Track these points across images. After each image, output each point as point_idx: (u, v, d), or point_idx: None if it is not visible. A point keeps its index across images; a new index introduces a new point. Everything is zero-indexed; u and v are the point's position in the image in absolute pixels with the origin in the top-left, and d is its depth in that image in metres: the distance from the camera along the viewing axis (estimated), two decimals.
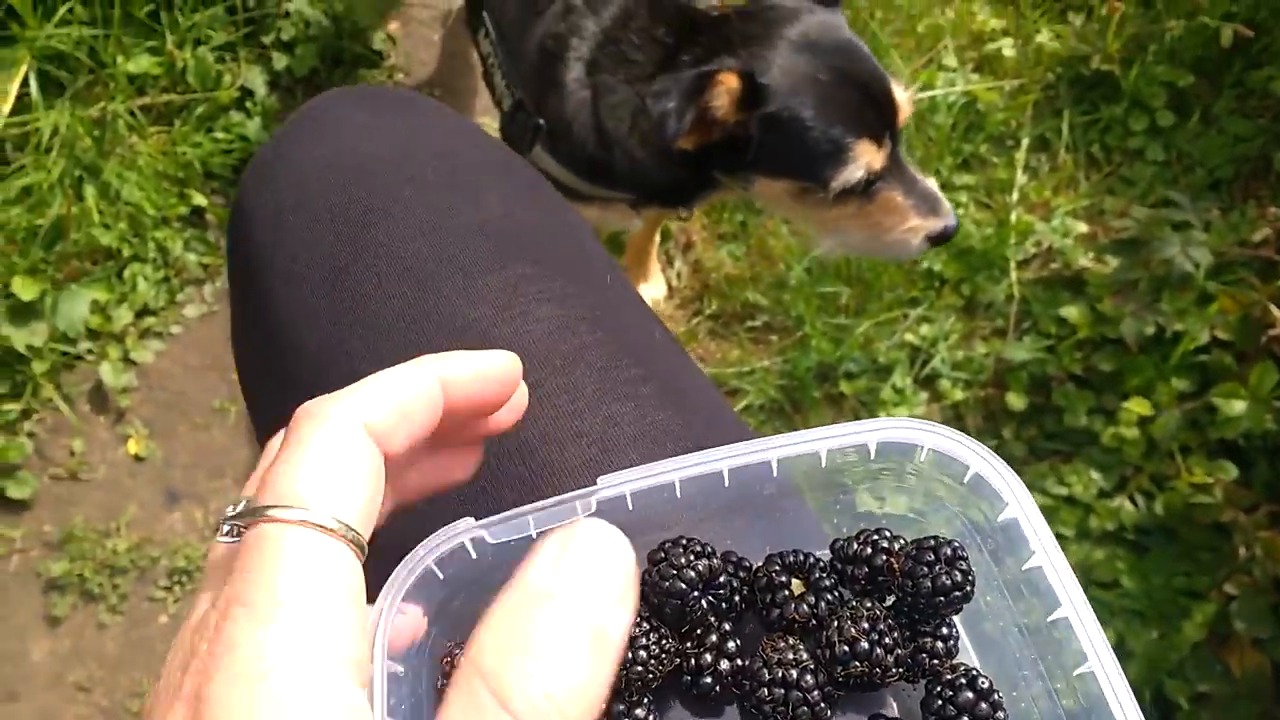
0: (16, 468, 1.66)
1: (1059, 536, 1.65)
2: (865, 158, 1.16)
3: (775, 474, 0.43)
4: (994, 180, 2.03)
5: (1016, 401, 1.78)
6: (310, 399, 0.39)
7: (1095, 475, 1.67)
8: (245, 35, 2.00)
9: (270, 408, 0.70)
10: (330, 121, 0.73)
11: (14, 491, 1.64)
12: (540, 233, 0.70)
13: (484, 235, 0.67)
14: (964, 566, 0.41)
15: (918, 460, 0.41)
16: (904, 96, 1.18)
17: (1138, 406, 1.63)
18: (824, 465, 0.43)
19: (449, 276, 0.65)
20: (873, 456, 0.42)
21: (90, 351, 1.77)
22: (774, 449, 0.42)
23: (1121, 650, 1.54)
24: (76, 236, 1.79)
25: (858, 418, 1.82)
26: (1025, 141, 2.05)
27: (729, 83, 1.10)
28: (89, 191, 1.82)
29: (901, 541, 0.46)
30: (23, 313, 1.70)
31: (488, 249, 0.66)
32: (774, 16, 1.18)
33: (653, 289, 1.92)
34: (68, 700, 1.54)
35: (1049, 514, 1.67)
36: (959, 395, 1.82)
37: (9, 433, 1.68)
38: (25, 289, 1.69)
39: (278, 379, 0.68)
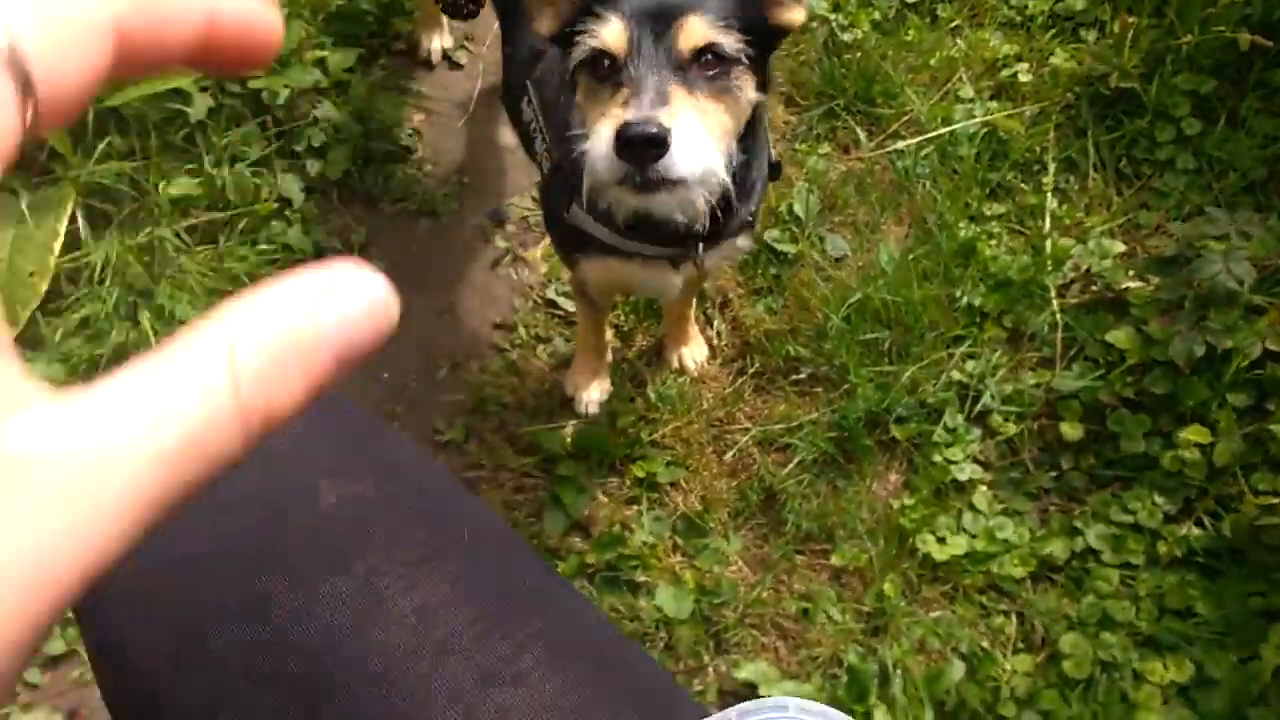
0: None
1: (1128, 565, 1.64)
2: (607, 32, 1.17)
3: None
4: (1024, 206, 2.02)
5: (1072, 431, 1.77)
6: None
7: (1159, 500, 1.66)
8: (278, 148, 2.06)
9: None
10: None
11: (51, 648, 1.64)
12: (382, 505, 0.66)
13: (318, 534, 0.63)
14: None
15: None
16: (700, 26, 1.16)
17: (1195, 435, 1.62)
18: None
19: (289, 590, 0.61)
20: None
21: None
22: None
23: (1203, 680, 1.52)
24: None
25: (911, 462, 1.82)
26: (1052, 165, 2.04)
27: None
28: (144, 316, 1.89)
29: None
30: None
31: (326, 548, 0.63)
32: None
33: (695, 352, 1.94)
34: None
35: (1115, 543, 1.66)
36: (1012, 429, 1.81)
37: None
38: None
39: None
